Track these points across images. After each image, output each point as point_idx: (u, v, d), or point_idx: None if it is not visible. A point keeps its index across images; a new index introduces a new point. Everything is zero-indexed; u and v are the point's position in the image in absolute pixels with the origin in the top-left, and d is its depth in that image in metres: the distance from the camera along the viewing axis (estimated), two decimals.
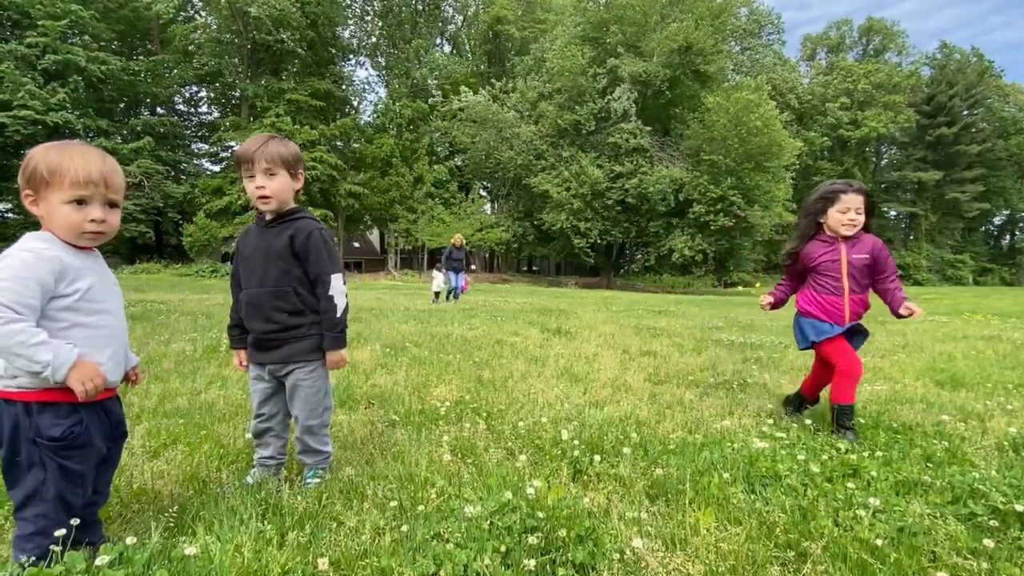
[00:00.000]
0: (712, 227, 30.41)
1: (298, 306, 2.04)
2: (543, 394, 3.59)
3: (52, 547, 1.39)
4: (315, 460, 2.20)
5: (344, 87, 36.52)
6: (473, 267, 12.93)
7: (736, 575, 1.56)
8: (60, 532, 1.42)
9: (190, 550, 1.49)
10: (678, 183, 30.79)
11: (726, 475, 2.17)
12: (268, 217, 2.09)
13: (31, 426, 1.39)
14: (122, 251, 31.92)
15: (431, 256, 37.83)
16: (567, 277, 42.10)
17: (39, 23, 25.48)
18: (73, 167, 1.42)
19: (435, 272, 13.45)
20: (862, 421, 3.04)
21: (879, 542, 1.67)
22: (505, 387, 3.78)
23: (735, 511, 1.90)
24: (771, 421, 3.06)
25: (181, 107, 38.19)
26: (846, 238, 2.92)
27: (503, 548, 1.56)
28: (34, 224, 1.43)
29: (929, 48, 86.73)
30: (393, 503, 1.88)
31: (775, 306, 3.21)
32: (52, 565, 1.36)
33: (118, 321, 1.57)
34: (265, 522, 1.74)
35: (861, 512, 1.87)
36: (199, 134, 37.87)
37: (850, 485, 2.10)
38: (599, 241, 33.00)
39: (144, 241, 30.57)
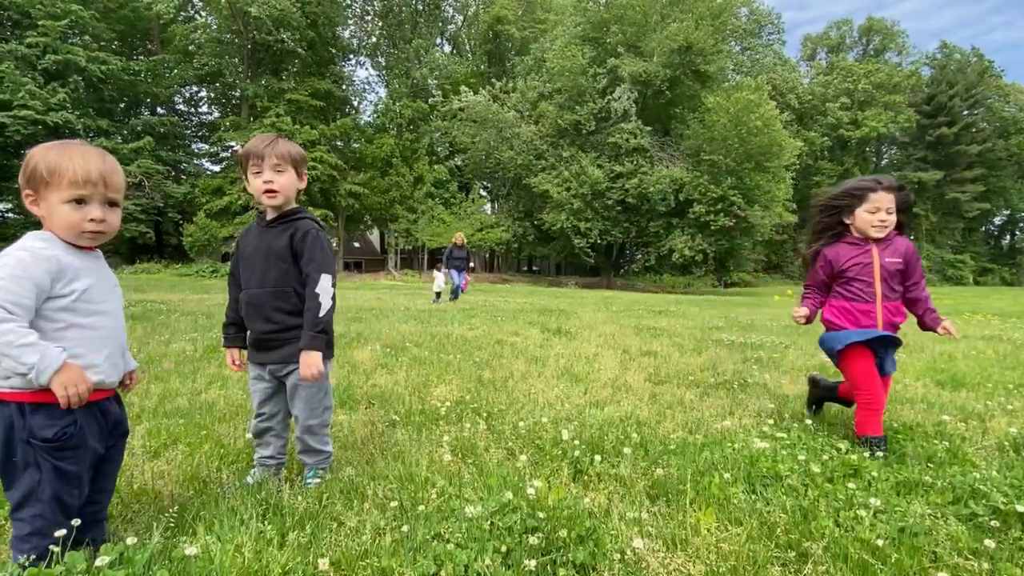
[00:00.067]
0: (712, 227, 30.40)
1: (298, 306, 2.03)
2: (543, 394, 3.59)
3: (51, 547, 1.39)
4: (315, 460, 2.20)
5: (344, 87, 36.52)
6: (472, 266, 12.84)
7: (737, 575, 1.56)
8: (60, 532, 1.42)
9: (190, 550, 1.49)
10: (678, 183, 30.78)
11: (727, 475, 2.16)
12: (269, 216, 2.09)
13: (25, 427, 1.39)
14: (122, 251, 31.92)
15: (431, 256, 37.83)
16: (567, 277, 42.10)
17: (39, 23, 25.47)
18: (72, 167, 1.42)
19: (436, 272, 13.44)
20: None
21: (880, 542, 1.67)
22: (505, 387, 3.77)
23: (736, 511, 1.90)
24: (772, 421, 3.06)
25: (181, 107, 38.20)
26: (876, 240, 2.67)
27: (504, 548, 1.56)
28: (35, 224, 1.43)
29: (929, 48, 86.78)
30: (393, 503, 1.88)
31: (809, 319, 2.90)
32: (52, 565, 1.36)
33: (116, 322, 1.57)
34: (265, 522, 1.74)
35: (862, 512, 1.87)
36: (199, 134, 37.87)
37: (851, 485, 2.10)
38: (599, 241, 32.99)
39: (144, 241, 30.56)
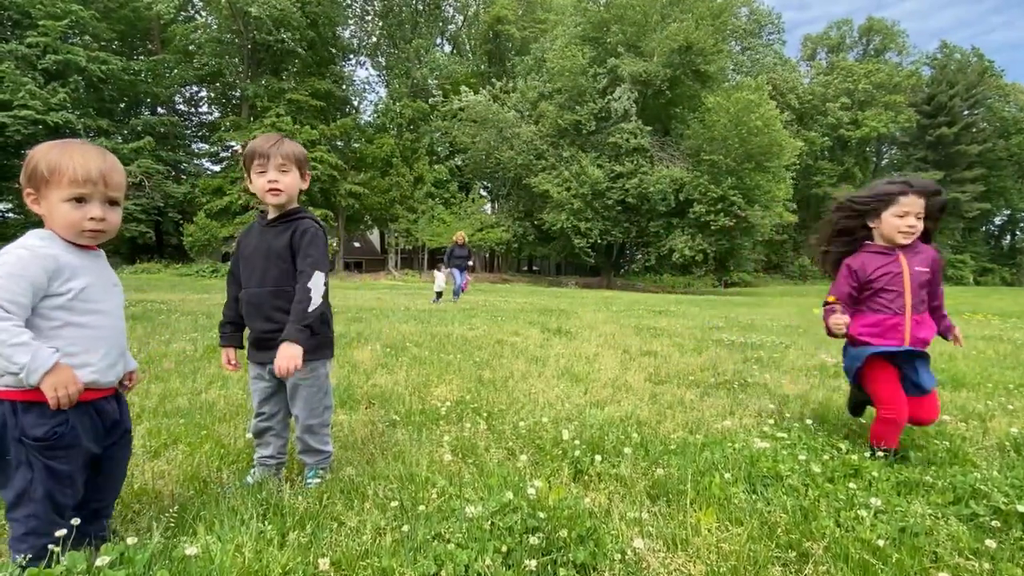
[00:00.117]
0: (712, 227, 30.40)
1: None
2: (544, 394, 3.59)
3: (50, 546, 1.39)
4: (316, 460, 2.20)
5: (344, 87, 36.52)
6: (471, 264, 12.81)
7: (737, 575, 1.56)
8: (60, 532, 1.42)
9: (191, 550, 1.48)
10: (678, 183, 30.78)
11: (727, 475, 2.16)
12: (270, 216, 2.10)
13: (17, 425, 1.39)
14: (122, 251, 31.93)
15: (431, 256, 37.83)
16: (567, 277, 42.09)
17: (39, 23, 25.48)
18: (72, 165, 1.43)
19: (436, 272, 13.42)
20: (863, 421, 3.04)
21: (881, 542, 1.67)
22: (506, 387, 3.77)
23: (736, 511, 1.90)
24: (772, 421, 3.06)
25: (181, 107, 38.21)
26: (902, 246, 2.50)
27: (504, 548, 1.56)
28: (35, 223, 1.44)
29: (929, 48, 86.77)
30: (394, 503, 1.88)
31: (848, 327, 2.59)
32: (52, 565, 1.36)
33: (113, 322, 1.56)
34: (266, 522, 1.74)
35: (863, 512, 1.87)
36: (199, 134, 37.87)
37: (851, 485, 2.10)
38: (599, 241, 32.98)
39: (144, 241, 30.57)
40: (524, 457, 2.37)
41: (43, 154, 1.44)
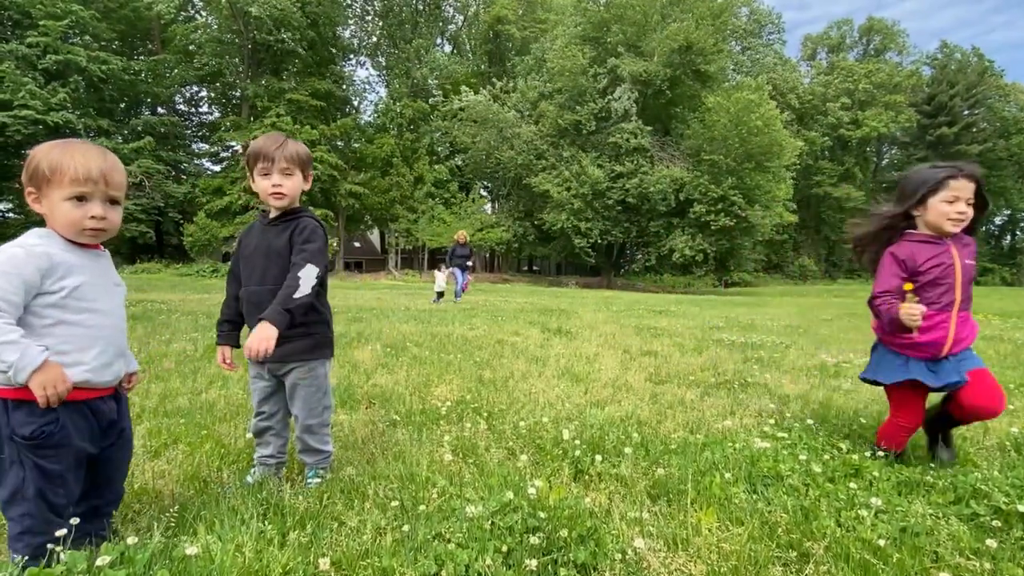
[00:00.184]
0: (713, 227, 30.40)
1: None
2: (544, 394, 3.59)
3: (48, 546, 1.39)
4: (315, 460, 2.20)
5: (345, 87, 36.52)
6: (471, 264, 12.72)
7: (738, 575, 1.56)
8: (60, 532, 1.42)
9: (191, 550, 1.48)
10: (679, 183, 30.78)
11: (728, 475, 2.16)
12: (272, 215, 2.10)
13: (8, 423, 1.39)
14: (123, 251, 31.95)
15: (431, 256, 37.83)
16: (568, 277, 42.09)
17: (40, 23, 25.48)
18: (73, 164, 1.43)
19: (437, 272, 13.40)
20: (863, 421, 3.04)
21: (881, 542, 1.67)
22: (506, 387, 3.77)
23: (737, 511, 1.90)
24: (773, 421, 3.06)
25: (182, 107, 38.22)
26: (950, 235, 2.28)
27: (504, 548, 1.56)
28: (35, 223, 1.44)
29: (930, 48, 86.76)
30: (394, 503, 1.87)
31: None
32: (53, 564, 1.36)
33: (111, 321, 1.55)
34: (266, 522, 1.74)
35: (863, 512, 1.87)
36: (200, 134, 37.89)
37: (852, 485, 2.10)
38: (600, 241, 32.98)
39: (145, 241, 30.55)
40: (524, 457, 2.37)
41: (44, 153, 1.45)
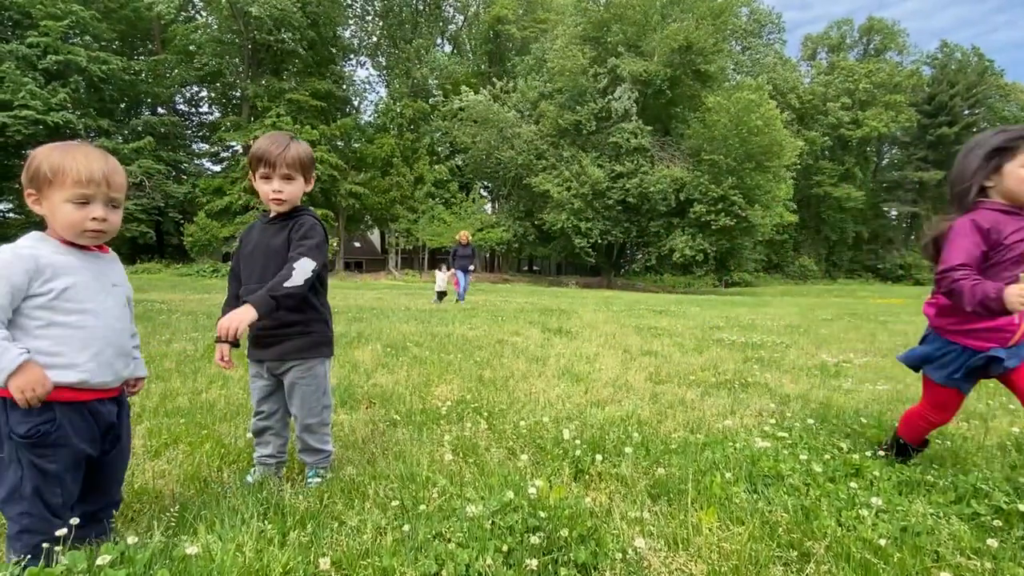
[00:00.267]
0: (713, 227, 30.40)
1: (297, 304, 2.02)
2: (544, 394, 3.59)
3: (43, 545, 1.39)
4: (315, 459, 2.19)
5: (345, 87, 36.51)
6: (472, 267, 12.58)
7: (739, 575, 1.56)
8: (60, 532, 1.42)
9: (191, 549, 1.48)
10: (679, 183, 30.79)
11: (728, 475, 2.16)
12: (272, 214, 2.10)
13: (6, 421, 1.40)
14: (123, 251, 31.90)
15: (432, 256, 37.84)
16: (568, 277, 42.09)
17: (40, 23, 25.48)
18: (75, 167, 1.44)
19: (437, 272, 13.38)
20: (864, 421, 3.03)
21: (882, 542, 1.67)
22: (506, 387, 3.77)
23: (737, 511, 1.89)
24: (773, 421, 3.05)
25: (182, 107, 38.21)
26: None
27: (505, 548, 1.56)
28: (35, 223, 1.44)
29: (930, 48, 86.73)
30: (395, 503, 1.87)
31: None
32: (53, 564, 1.36)
33: (107, 322, 1.54)
34: (266, 521, 1.74)
35: (864, 512, 1.87)
36: (200, 134, 37.88)
37: (853, 485, 2.10)
38: (600, 241, 32.98)
39: (145, 241, 30.54)
40: (525, 457, 2.37)
41: (45, 155, 1.45)
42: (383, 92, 40.58)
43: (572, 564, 1.54)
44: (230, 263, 2.24)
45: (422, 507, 1.83)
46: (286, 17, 28.64)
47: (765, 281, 47.90)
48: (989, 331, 2.04)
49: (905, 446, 2.43)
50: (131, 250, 31.86)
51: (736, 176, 30.16)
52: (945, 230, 2.09)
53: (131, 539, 1.48)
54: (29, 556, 1.40)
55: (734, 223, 30.29)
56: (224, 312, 2.16)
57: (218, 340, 2.05)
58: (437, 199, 36.34)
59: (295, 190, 2.04)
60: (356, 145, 36.11)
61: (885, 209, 57.85)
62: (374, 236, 49.35)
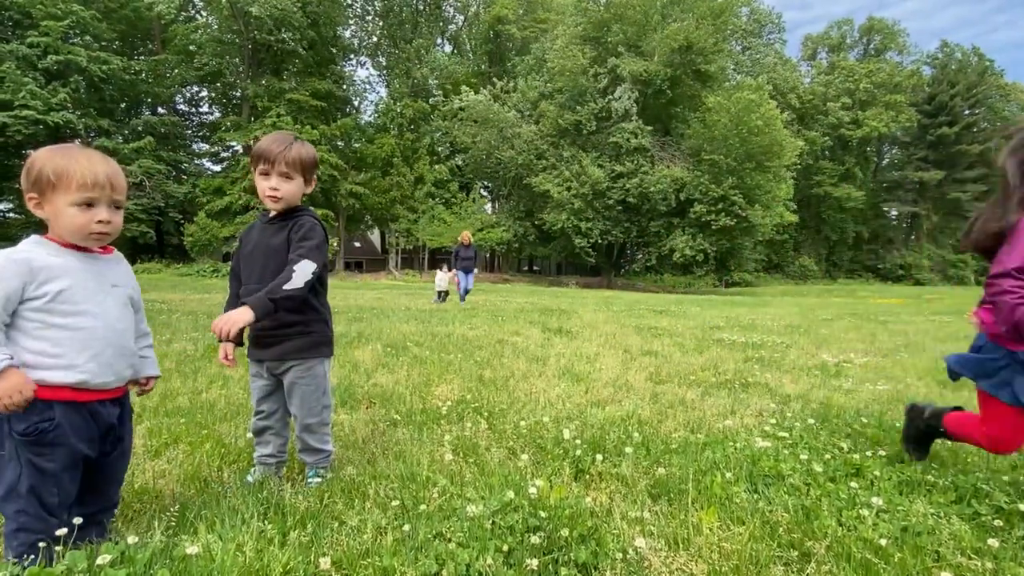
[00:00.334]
0: (713, 227, 30.40)
1: (296, 303, 2.02)
2: (544, 393, 3.59)
3: (39, 543, 1.40)
4: (315, 459, 2.19)
5: (345, 87, 36.52)
6: (475, 270, 12.53)
7: (739, 575, 1.56)
8: (60, 532, 1.42)
9: (192, 549, 1.48)
10: (679, 183, 30.79)
11: (729, 475, 2.16)
12: (272, 214, 2.09)
13: (7, 418, 1.41)
14: (123, 251, 30.35)
15: (432, 256, 37.84)
16: (568, 277, 42.09)
17: (40, 23, 25.49)
18: (80, 170, 1.45)
19: (438, 272, 13.37)
20: (864, 421, 3.03)
21: (883, 542, 1.67)
22: (506, 386, 3.77)
23: (738, 511, 1.89)
24: (774, 421, 3.05)
25: (182, 107, 38.23)
26: None
27: (505, 548, 1.56)
28: (35, 223, 1.44)
29: (931, 48, 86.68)
30: (395, 502, 1.87)
31: None
32: (54, 564, 1.36)
33: (105, 322, 1.54)
34: (267, 521, 1.74)
35: (865, 512, 1.87)
36: (200, 134, 37.89)
37: (853, 485, 2.10)
38: (600, 241, 32.99)
39: (145, 241, 30.56)
40: (525, 456, 2.37)
41: (47, 159, 1.45)
42: (383, 92, 40.65)
43: (572, 564, 1.54)
44: (230, 263, 2.24)
45: (422, 507, 1.82)
46: (286, 17, 28.65)
47: (765, 281, 47.91)
48: None
49: (932, 436, 2.24)
50: (131, 250, 31.84)
51: (736, 176, 30.16)
52: (1010, 226, 1.79)
53: (131, 539, 1.48)
54: (25, 554, 1.41)
55: (734, 223, 30.30)
56: (225, 310, 2.16)
57: (222, 341, 2.06)
58: (437, 199, 36.35)
59: (292, 189, 2.03)
60: (356, 145, 36.13)
61: (885, 209, 57.87)
62: (374, 236, 49.36)
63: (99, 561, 1.37)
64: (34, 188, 1.46)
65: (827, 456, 2.43)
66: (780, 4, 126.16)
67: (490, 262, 45.81)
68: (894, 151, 59.93)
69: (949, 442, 2.51)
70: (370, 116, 40.20)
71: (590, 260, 35.42)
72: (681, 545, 1.69)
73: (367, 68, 74.09)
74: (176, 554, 1.48)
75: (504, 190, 40.23)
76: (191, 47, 32.00)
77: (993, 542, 1.69)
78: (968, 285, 50.33)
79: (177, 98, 36.81)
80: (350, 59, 38.82)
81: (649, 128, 31.54)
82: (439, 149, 39.24)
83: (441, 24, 42.66)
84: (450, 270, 12.75)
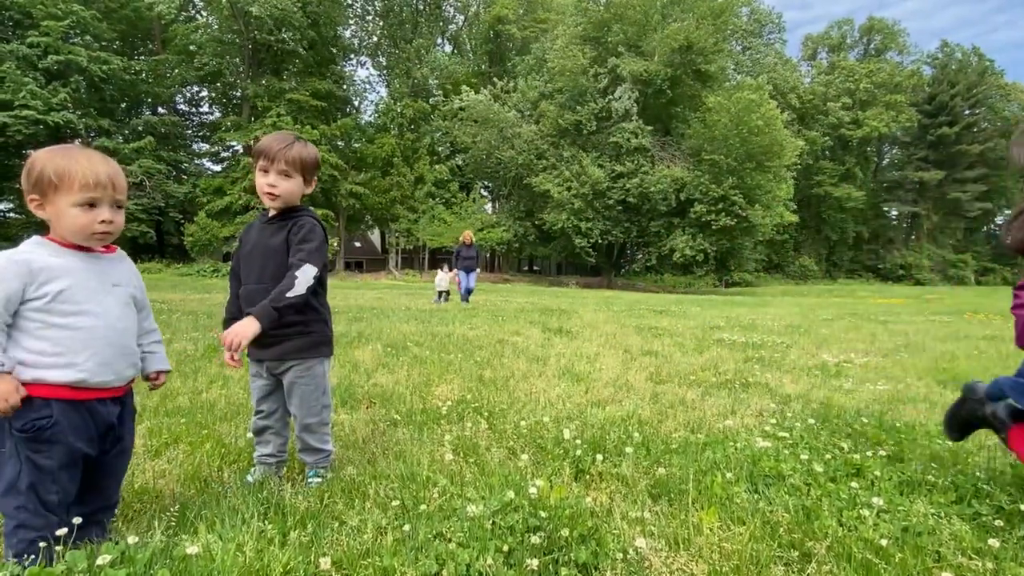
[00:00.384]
0: (713, 227, 30.41)
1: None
2: (545, 393, 3.59)
3: (39, 541, 1.40)
4: (315, 459, 2.19)
5: (345, 87, 36.55)
6: (477, 270, 12.44)
7: (740, 575, 1.55)
8: (61, 532, 1.42)
9: (192, 549, 1.48)
10: (679, 183, 30.80)
11: (729, 475, 2.16)
12: (271, 213, 2.09)
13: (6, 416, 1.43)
14: (124, 251, 31.92)
15: (432, 256, 37.85)
16: (568, 277, 42.10)
17: (41, 23, 25.50)
18: (81, 171, 1.45)
19: (439, 272, 13.36)
20: (865, 421, 3.03)
21: (883, 542, 1.67)
22: (507, 386, 3.77)
23: (738, 511, 1.89)
24: (774, 421, 3.05)
25: (182, 107, 38.27)
26: None
27: (506, 548, 1.56)
28: (36, 223, 1.45)
29: (931, 47, 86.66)
30: (395, 502, 1.87)
31: None
32: (54, 564, 1.36)
33: (106, 322, 1.54)
34: (267, 521, 1.74)
35: (865, 512, 1.86)
36: (200, 134, 37.92)
37: (854, 485, 2.09)
38: (600, 241, 33.00)
39: (145, 241, 30.58)
40: (525, 456, 2.37)
41: (48, 160, 1.46)
42: (383, 92, 40.70)
43: (573, 564, 1.54)
44: (231, 263, 2.24)
45: (423, 507, 1.82)
46: (286, 17, 28.67)
47: (765, 281, 47.92)
48: None
49: (977, 427, 2.08)
50: (131, 250, 31.79)
51: (736, 176, 30.17)
52: None
53: (131, 539, 1.48)
54: (25, 552, 1.41)
55: (734, 223, 30.30)
56: (227, 312, 2.18)
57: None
58: (437, 199, 36.36)
59: (290, 188, 2.02)
60: (356, 145, 36.15)
61: (885, 209, 57.90)
62: (374, 236, 49.37)
63: (99, 561, 1.37)
64: (35, 189, 1.47)
65: (827, 456, 2.43)
66: (780, 4, 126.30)
67: (490, 262, 45.82)
68: (894, 151, 59.96)
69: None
70: (370, 116, 40.27)
71: (590, 260, 35.42)
72: (681, 545, 1.69)
73: (367, 68, 74.06)
74: (176, 554, 1.47)
75: (504, 190, 40.24)
76: (191, 47, 32.02)
77: (994, 542, 1.69)
78: (968, 285, 50.37)
79: (177, 98, 36.85)
80: (350, 59, 38.87)
81: (649, 128, 31.55)
82: (439, 149, 39.25)
83: (441, 24, 42.68)
84: (451, 270, 12.72)
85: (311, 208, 2.19)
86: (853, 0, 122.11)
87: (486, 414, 3.05)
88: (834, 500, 1.98)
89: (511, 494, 1.81)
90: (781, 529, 1.78)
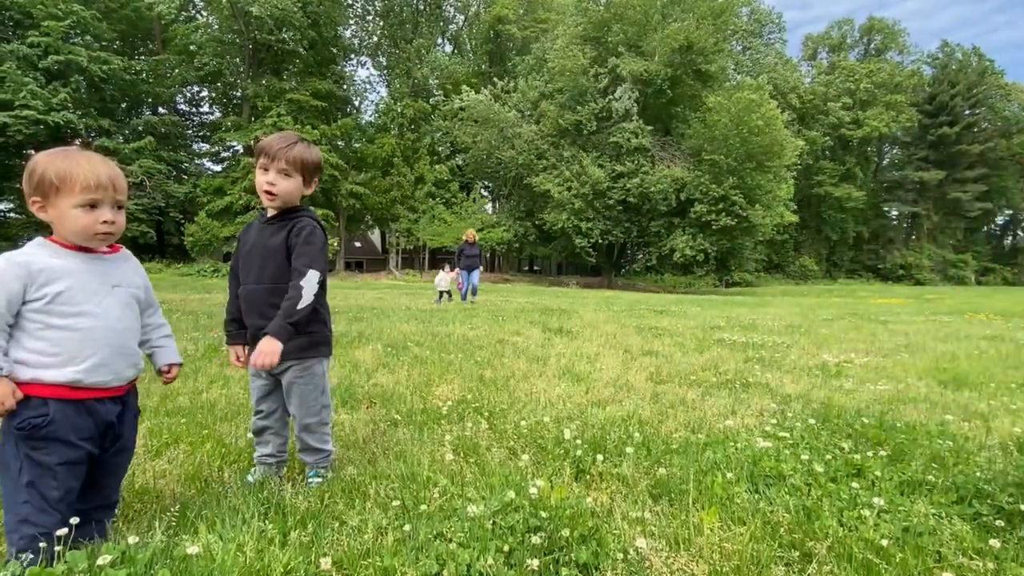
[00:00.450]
0: (713, 227, 30.39)
1: None
2: (545, 393, 3.59)
3: (40, 536, 1.41)
4: (315, 459, 2.19)
5: (345, 87, 36.54)
6: (480, 268, 12.37)
7: (740, 575, 1.55)
8: (61, 531, 1.42)
9: (192, 549, 1.48)
10: (679, 183, 30.79)
11: (729, 475, 2.16)
12: (270, 213, 2.09)
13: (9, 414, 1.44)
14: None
15: (432, 256, 37.86)
16: (568, 277, 42.10)
17: (41, 23, 25.50)
18: (83, 172, 1.47)
19: (440, 272, 13.34)
20: (865, 421, 3.03)
21: (884, 542, 1.66)
22: (507, 386, 3.77)
23: (739, 511, 1.89)
24: (774, 421, 3.05)
25: (183, 107, 38.25)
26: None
27: (506, 548, 1.56)
28: (36, 223, 1.46)
29: (931, 47, 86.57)
30: (395, 502, 1.87)
31: None
32: (54, 564, 1.36)
33: (105, 323, 1.54)
34: (267, 521, 1.74)
35: (866, 512, 1.86)
36: (200, 134, 37.91)
37: (854, 485, 2.09)
38: (600, 241, 32.99)
39: (146, 241, 30.55)
40: (526, 456, 2.37)
41: (48, 162, 1.47)
42: (384, 92, 40.72)
43: (573, 564, 1.54)
44: (230, 263, 2.24)
45: (423, 507, 1.82)
46: (287, 17, 28.66)
47: (766, 281, 47.90)
48: None
49: None
50: (132, 250, 30.86)
51: (737, 176, 30.15)
52: None
53: (132, 539, 1.48)
54: (27, 548, 1.41)
55: (735, 223, 30.28)
56: (227, 312, 2.19)
57: (231, 344, 2.12)
58: (438, 199, 36.36)
59: (289, 187, 2.02)
60: (357, 145, 36.15)
61: (886, 209, 57.88)
62: (375, 236, 49.37)
63: (99, 561, 1.37)
64: (37, 192, 1.48)
65: (828, 456, 2.43)
66: (780, 4, 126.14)
67: (491, 262, 45.81)
68: (894, 151, 59.95)
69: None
70: (370, 116, 40.26)
71: (590, 260, 35.42)
72: (682, 545, 1.68)
73: (367, 68, 74.08)
74: (176, 554, 1.47)
75: (504, 190, 40.24)
76: (191, 47, 32.01)
77: (995, 542, 1.69)
78: (968, 284, 50.36)
79: (177, 98, 36.83)
80: (350, 59, 38.87)
81: (649, 128, 31.54)
82: (439, 149, 39.26)
83: (441, 24, 42.68)
84: (452, 269, 12.70)
85: (311, 208, 2.19)
86: (853, 0, 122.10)
87: (486, 414, 3.05)
88: (835, 500, 1.98)
89: (512, 494, 1.81)
90: (782, 529, 1.78)
